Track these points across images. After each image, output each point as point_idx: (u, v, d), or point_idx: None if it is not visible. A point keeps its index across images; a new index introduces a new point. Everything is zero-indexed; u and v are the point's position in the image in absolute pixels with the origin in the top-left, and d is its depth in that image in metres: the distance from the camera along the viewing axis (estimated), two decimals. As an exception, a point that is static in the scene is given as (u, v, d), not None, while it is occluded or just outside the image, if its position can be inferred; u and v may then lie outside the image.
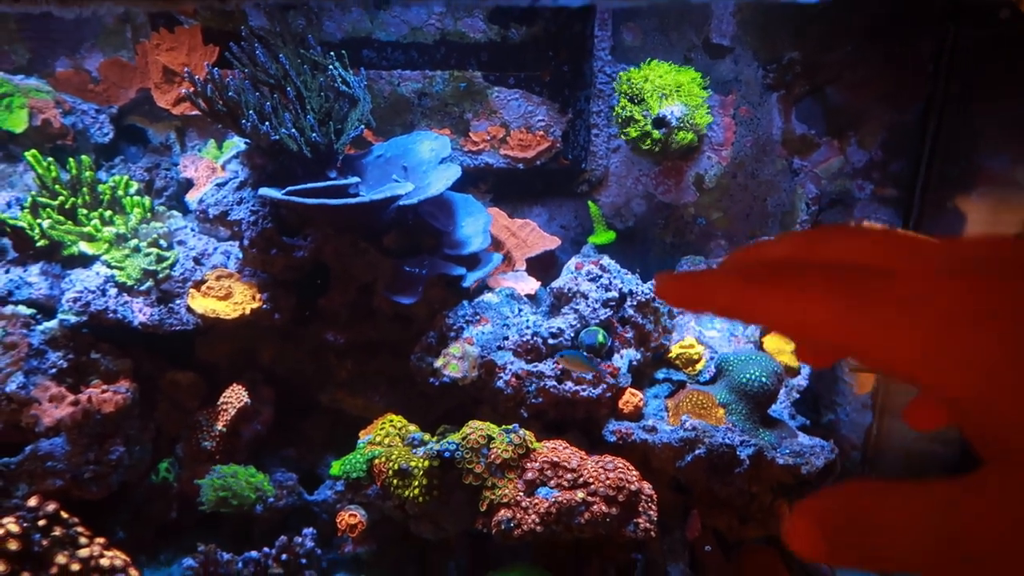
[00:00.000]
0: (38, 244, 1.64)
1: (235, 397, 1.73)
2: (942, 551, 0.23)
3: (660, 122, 1.77)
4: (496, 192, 1.97)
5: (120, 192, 1.75)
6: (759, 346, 1.77)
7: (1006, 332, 0.23)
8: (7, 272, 1.67)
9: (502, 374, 1.65)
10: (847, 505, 0.26)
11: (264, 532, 1.74)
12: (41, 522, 1.61)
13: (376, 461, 1.60)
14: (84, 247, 1.66)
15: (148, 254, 1.69)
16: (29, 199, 1.67)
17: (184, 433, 1.76)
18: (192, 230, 1.80)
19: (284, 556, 1.66)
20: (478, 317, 1.74)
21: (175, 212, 1.82)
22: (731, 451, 1.51)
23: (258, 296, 1.73)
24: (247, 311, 1.70)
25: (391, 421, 1.69)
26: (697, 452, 1.53)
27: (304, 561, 1.68)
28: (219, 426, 1.72)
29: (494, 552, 1.71)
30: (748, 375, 1.61)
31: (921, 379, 0.24)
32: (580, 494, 1.47)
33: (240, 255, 1.75)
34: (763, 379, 1.60)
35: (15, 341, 1.62)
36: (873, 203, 1.90)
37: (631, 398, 1.64)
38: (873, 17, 1.80)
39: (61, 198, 1.69)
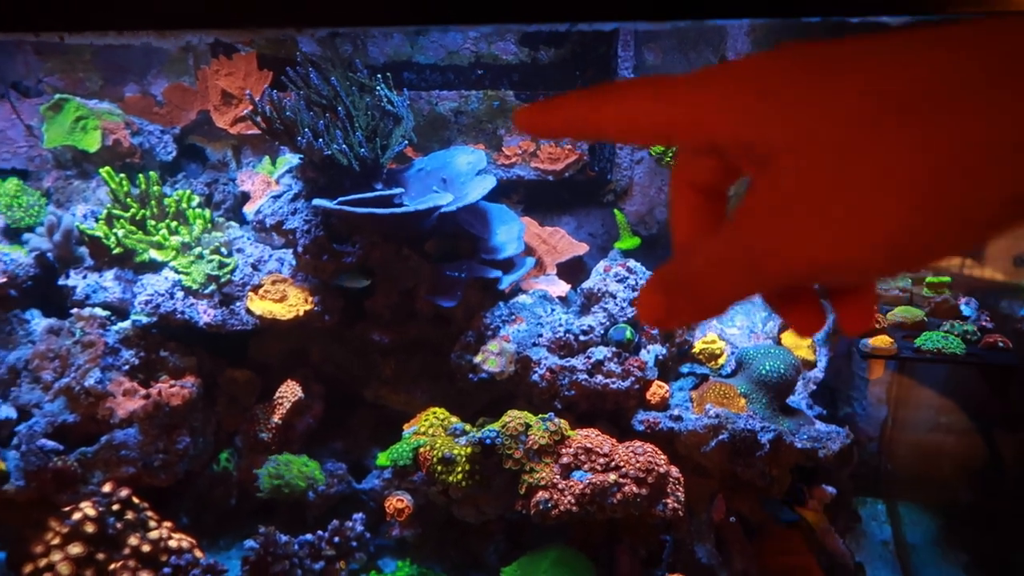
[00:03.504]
0: (114, 252, 1.80)
1: (290, 392, 1.87)
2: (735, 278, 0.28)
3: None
4: (527, 202, 2.11)
5: (184, 205, 1.91)
6: (777, 341, 1.88)
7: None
8: (84, 278, 1.83)
9: (537, 368, 1.78)
10: (674, 268, 0.30)
11: (316, 518, 1.86)
12: (115, 507, 1.76)
13: (421, 450, 1.73)
14: (154, 254, 1.82)
15: (211, 261, 1.85)
16: (104, 211, 1.84)
17: (242, 426, 1.90)
18: (249, 239, 1.95)
19: (336, 539, 1.79)
20: (513, 317, 1.87)
21: (233, 223, 1.97)
22: (752, 436, 1.62)
23: (310, 299, 1.87)
24: (300, 312, 1.85)
25: (435, 413, 1.82)
26: (721, 437, 1.64)
27: (354, 544, 1.81)
28: (275, 419, 1.86)
29: (530, 536, 1.82)
30: (767, 367, 1.72)
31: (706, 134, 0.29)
32: (612, 476, 1.58)
33: (294, 261, 1.90)
34: (781, 370, 1.71)
35: (93, 340, 1.78)
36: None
37: (658, 390, 1.76)
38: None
39: (132, 210, 1.86)
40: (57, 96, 1.93)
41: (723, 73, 0.29)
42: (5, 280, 1.80)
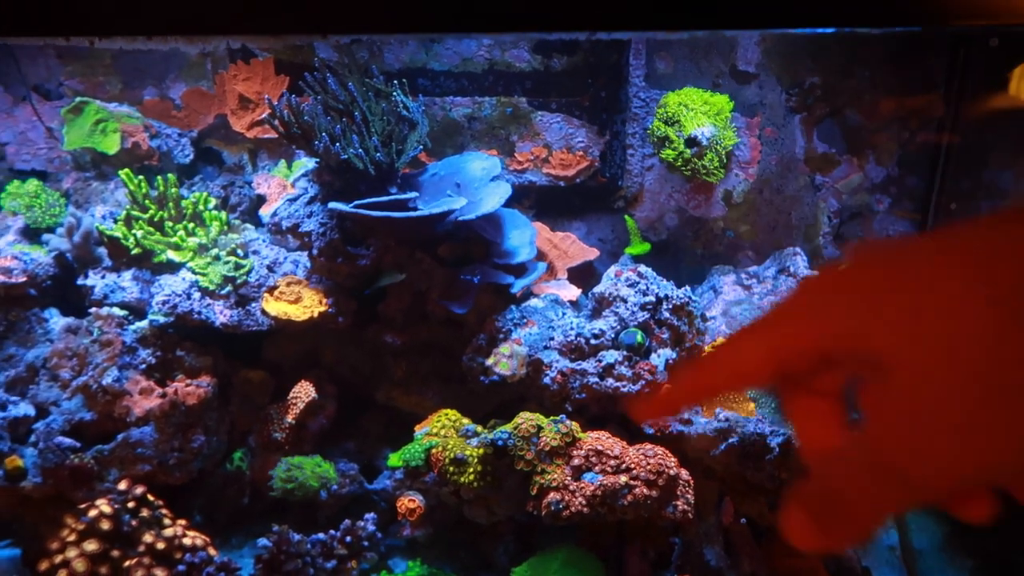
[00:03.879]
0: (132, 252, 1.82)
1: (304, 392, 1.89)
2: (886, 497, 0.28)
3: (692, 142, 1.93)
4: (539, 208, 2.14)
5: (201, 207, 1.94)
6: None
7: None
8: (103, 278, 1.86)
9: (548, 371, 1.80)
10: (815, 487, 0.29)
11: (328, 517, 1.88)
12: (130, 504, 1.78)
13: (433, 451, 1.75)
14: (172, 255, 1.85)
15: (227, 262, 1.88)
16: (123, 212, 1.86)
17: (256, 425, 1.93)
18: (264, 241, 1.98)
19: (348, 538, 1.81)
20: (525, 320, 1.89)
21: (249, 225, 2.00)
22: (762, 439, 1.64)
23: (324, 301, 1.89)
24: (315, 314, 1.87)
25: (446, 415, 1.84)
26: (730, 441, 1.66)
27: (366, 543, 1.83)
28: (289, 419, 1.88)
29: (540, 537, 1.84)
30: (776, 371, 1.74)
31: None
32: (623, 478, 1.60)
33: (308, 263, 1.93)
34: (790, 375, 1.73)
35: (110, 339, 1.81)
36: (891, 216, 2.05)
37: (667, 393, 1.78)
38: (886, 43, 1.95)
39: (151, 212, 1.88)
40: (77, 99, 1.97)
41: (824, 285, 0.30)
42: (25, 279, 1.83)
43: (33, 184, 1.95)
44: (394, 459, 1.86)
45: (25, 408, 1.80)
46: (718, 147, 1.94)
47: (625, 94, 2.04)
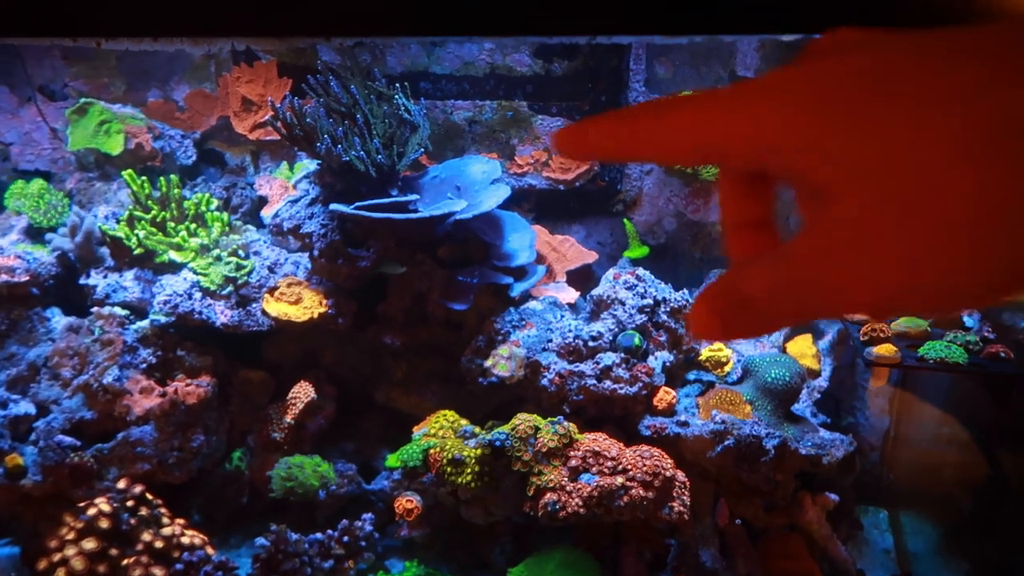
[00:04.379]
0: (135, 252, 1.84)
1: (303, 392, 1.90)
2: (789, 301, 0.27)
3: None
4: (538, 211, 2.15)
5: (203, 208, 1.95)
6: (782, 350, 1.92)
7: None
8: (105, 277, 1.87)
9: (546, 373, 1.81)
10: (730, 287, 0.29)
11: (326, 518, 1.89)
12: (129, 503, 1.79)
13: (431, 451, 1.76)
14: (173, 255, 1.86)
15: (228, 263, 1.89)
16: (126, 213, 1.88)
17: (255, 425, 1.94)
18: (265, 242, 1.99)
19: (346, 538, 1.82)
20: (524, 322, 1.91)
21: (250, 226, 2.01)
22: (758, 441, 1.65)
23: (324, 302, 1.91)
24: (315, 315, 1.88)
25: (445, 416, 1.85)
26: (726, 443, 1.67)
27: (363, 543, 1.84)
28: (288, 419, 1.89)
29: (537, 538, 1.84)
30: (773, 374, 1.75)
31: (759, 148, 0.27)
32: (619, 479, 1.61)
33: (309, 265, 1.94)
34: (787, 378, 1.74)
35: (112, 338, 1.82)
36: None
37: (665, 396, 1.79)
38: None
39: (153, 212, 1.90)
40: (82, 100, 1.98)
41: (776, 85, 0.27)
42: (28, 278, 1.84)
43: (37, 184, 1.97)
44: (392, 460, 1.87)
45: (26, 406, 1.81)
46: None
47: (625, 98, 2.06)
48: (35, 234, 1.96)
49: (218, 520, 1.93)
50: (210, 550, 1.78)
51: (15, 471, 1.75)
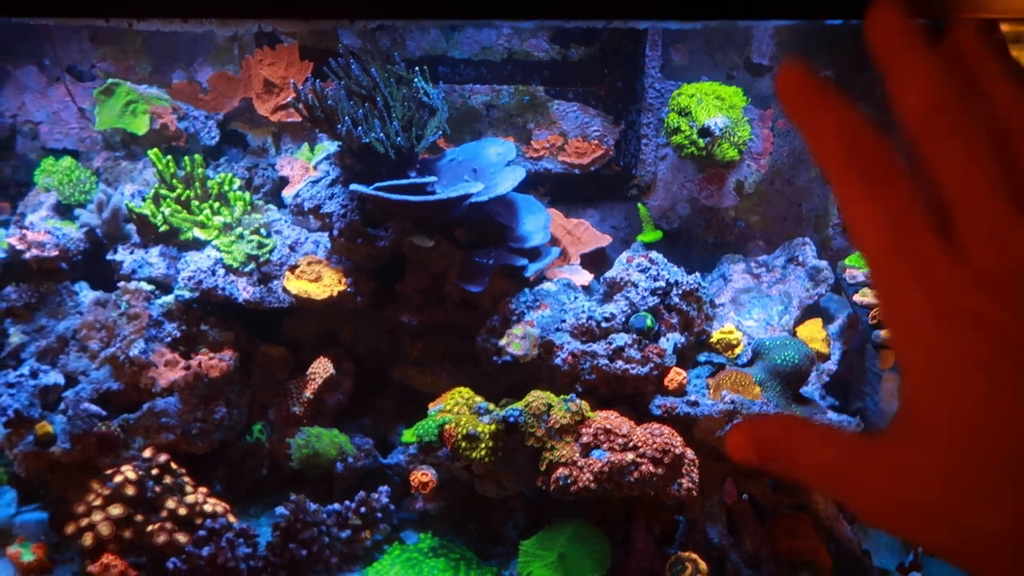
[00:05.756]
0: (160, 229, 1.89)
1: (322, 368, 1.95)
2: (834, 486, 0.30)
3: (705, 132, 1.97)
4: (553, 195, 2.19)
5: (226, 187, 2.00)
6: (793, 334, 1.95)
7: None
8: (131, 253, 1.92)
9: (560, 353, 1.85)
10: (778, 427, 0.31)
11: (343, 490, 1.94)
12: (154, 471, 1.85)
13: (447, 427, 1.81)
14: (197, 233, 1.91)
15: (251, 241, 1.94)
16: (152, 191, 1.93)
17: (275, 400, 1.99)
18: (286, 221, 2.04)
19: (363, 509, 1.87)
20: (538, 303, 1.94)
21: (272, 206, 2.06)
22: (766, 422, 1.68)
23: (343, 280, 1.95)
24: (334, 293, 1.93)
25: (460, 392, 1.90)
26: (735, 422, 1.70)
27: (380, 515, 1.89)
28: (307, 393, 1.94)
29: (549, 513, 1.89)
30: (783, 356, 1.78)
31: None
32: (630, 456, 1.65)
33: (329, 244, 1.98)
34: (796, 360, 1.77)
35: (138, 312, 1.87)
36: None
37: (676, 376, 1.83)
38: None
39: (178, 191, 1.95)
40: (109, 81, 2.03)
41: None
42: (57, 253, 1.90)
43: (67, 161, 2.02)
44: (408, 435, 1.92)
45: (55, 377, 1.87)
46: (732, 138, 1.98)
47: (641, 84, 2.09)
48: (64, 211, 2.01)
49: (239, 491, 1.99)
50: (232, 518, 1.84)
51: (45, 439, 1.81)
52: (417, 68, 1.88)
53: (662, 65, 2.08)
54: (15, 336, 1.91)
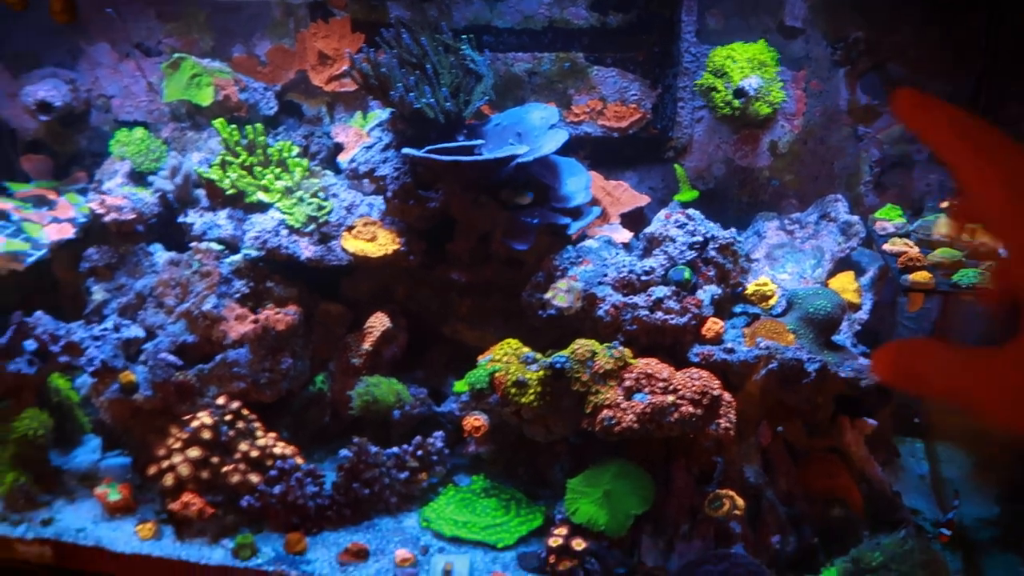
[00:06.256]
0: (228, 193, 2.03)
1: (379, 322, 2.08)
2: (965, 398, 0.34)
3: (740, 92, 2.05)
4: (593, 158, 2.28)
5: (285, 154, 2.13)
6: (825, 286, 2.03)
7: None
8: (201, 216, 2.07)
9: (602, 305, 1.95)
10: (914, 351, 0.36)
11: (399, 436, 2.08)
12: (228, 417, 1.99)
13: (497, 375, 1.93)
14: (262, 196, 2.05)
15: (311, 203, 2.07)
16: (218, 158, 2.07)
17: (336, 352, 2.13)
18: (341, 186, 2.17)
19: (419, 452, 2.01)
20: (580, 259, 2.05)
21: (328, 171, 2.19)
22: (800, 365, 1.78)
23: (397, 240, 2.08)
24: (389, 251, 2.05)
25: (509, 343, 2.01)
26: (771, 366, 1.80)
27: (435, 458, 2.03)
28: (366, 346, 2.08)
29: (593, 456, 2.00)
30: (816, 305, 1.87)
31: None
32: (670, 398, 1.76)
33: (383, 206, 2.11)
34: (828, 308, 1.86)
35: (209, 270, 2.02)
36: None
37: (713, 325, 1.92)
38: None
39: (242, 157, 2.08)
40: (175, 55, 2.17)
41: None
42: (134, 217, 2.05)
43: (140, 132, 2.17)
44: (460, 385, 2.05)
45: (136, 330, 2.03)
46: (766, 98, 2.06)
47: (677, 49, 2.17)
48: (137, 178, 2.16)
49: (302, 437, 2.14)
50: (299, 460, 1.99)
51: (129, 387, 1.97)
52: (464, 36, 1.99)
53: (698, 30, 2.16)
54: (98, 294, 2.07)
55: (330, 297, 2.20)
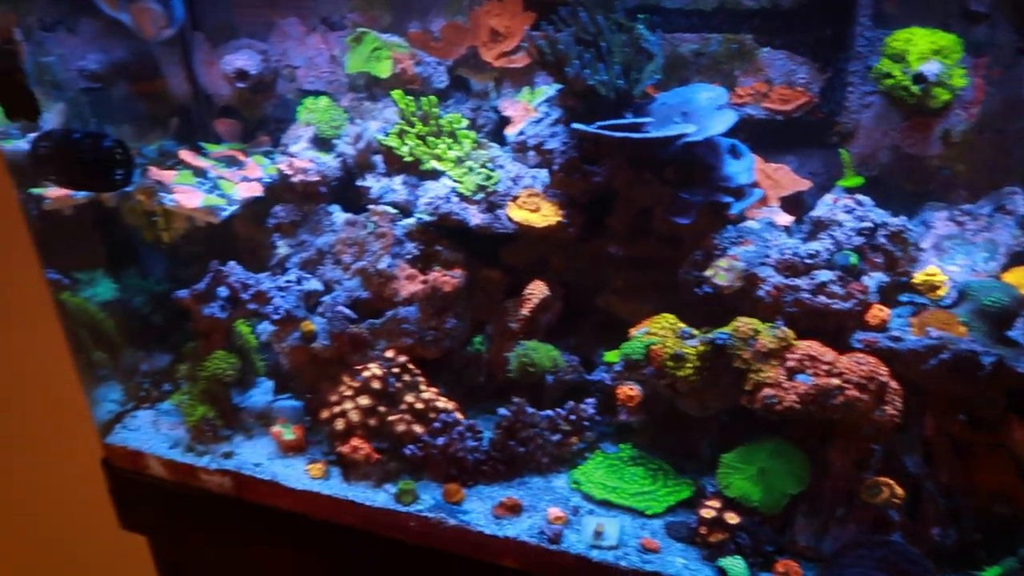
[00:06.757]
0: (405, 160, 2.15)
1: (538, 289, 2.17)
2: None
3: (919, 78, 2.01)
4: (753, 140, 2.28)
5: (455, 125, 2.24)
6: (998, 279, 1.97)
7: None
8: (378, 181, 2.21)
9: (763, 285, 1.97)
10: None
11: (551, 400, 2.17)
12: (395, 370, 2.13)
13: (653, 347, 1.98)
14: (435, 164, 2.16)
15: (479, 173, 2.17)
16: (396, 127, 2.19)
17: (494, 316, 2.23)
18: (507, 157, 2.26)
19: (572, 416, 2.09)
20: (741, 239, 2.07)
21: (494, 143, 2.28)
22: (974, 357, 1.75)
23: (559, 212, 2.15)
24: (552, 223, 2.13)
25: (665, 318, 2.06)
26: (941, 357, 1.77)
27: (586, 423, 2.10)
28: (523, 311, 2.17)
29: (744, 434, 2.03)
30: (991, 297, 1.83)
31: None
32: (835, 381, 1.77)
33: (547, 179, 2.19)
34: (1005, 301, 1.82)
35: (384, 232, 2.15)
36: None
37: (878, 313, 1.91)
38: None
39: (417, 127, 2.20)
40: (359, 30, 2.31)
41: None
42: (318, 179, 2.21)
43: (324, 100, 2.33)
44: (611, 355, 2.11)
45: (315, 284, 2.19)
46: (947, 84, 2.01)
47: (851, 33, 2.14)
48: (319, 143, 2.32)
49: (458, 394, 2.25)
50: (459, 415, 2.10)
51: (309, 336, 2.14)
52: (640, 16, 2.03)
53: (873, 13, 2.12)
54: (282, 248, 2.25)
55: (490, 264, 2.30)
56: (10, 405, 2.26)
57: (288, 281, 2.16)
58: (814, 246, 1.99)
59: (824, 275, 1.94)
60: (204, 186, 2.28)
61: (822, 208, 2.02)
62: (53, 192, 2.18)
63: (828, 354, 1.82)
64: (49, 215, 2.21)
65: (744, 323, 1.88)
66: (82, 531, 2.39)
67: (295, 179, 2.18)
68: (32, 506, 2.43)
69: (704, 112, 2.12)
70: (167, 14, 2.07)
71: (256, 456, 2.18)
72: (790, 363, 1.82)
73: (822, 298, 1.93)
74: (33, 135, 2.13)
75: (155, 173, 2.27)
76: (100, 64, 2.33)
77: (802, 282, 1.96)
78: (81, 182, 2.06)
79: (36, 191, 2.17)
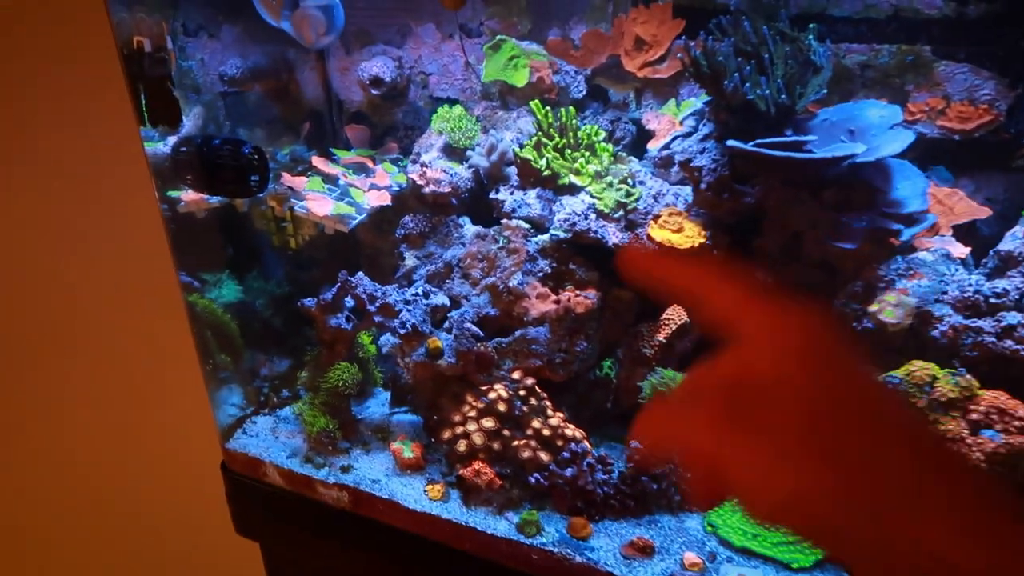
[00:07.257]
0: (543, 174, 2.05)
1: (677, 315, 2.03)
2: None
3: None
4: (921, 161, 2.07)
5: (593, 138, 2.13)
6: None
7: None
8: (512, 194, 2.11)
9: (939, 325, 1.77)
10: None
11: (686, 435, 2.02)
12: (521, 392, 2.04)
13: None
14: (573, 179, 2.06)
15: (620, 189, 2.05)
16: (533, 138, 2.10)
17: (625, 339, 2.10)
18: (647, 173, 2.13)
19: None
20: (911, 271, 1.87)
21: (633, 158, 2.16)
22: None
23: (703, 233, 2.00)
24: (695, 244, 1.99)
25: (820, 354, 1.88)
26: None
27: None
28: (659, 337, 2.03)
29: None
30: None
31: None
32: (1030, 440, 1.55)
33: (690, 197, 2.04)
34: None
35: (517, 247, 2.06)
36: None
37: (1079, 364, 1.67)
38: None
39: (555, 139, 2.10)
40: (498, 37, 2.23)
41: None
42: (449, 190, 2.14)
43: (459, 109, 2.26)
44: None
45: (442, 298, 2.12)
46: None
47: (1048, 45, 1.90)
48: (451, 152, 2.25)
49: (581, 419, 2.13)
50: (587, 444, 1.99)
51: (435, 352, 2.06)
52: (811, 25, 1.86)
53: (1076, 24, 1.88)
54: (409, 259, 2.19)
55: (619, 283, 2.17)
56: (145, 404, 2.29)
57: (415, 294, 2.10)
58: (1002, 284, 1.77)
59: (1013, 317, 1.72)
60: (334, 193, 2.25)
61: (1012, 241, 1.79)
62: (188, 196, 2.19)
63: (1021, 409, 1.60)
64: (183, 217, 2.23)
65: (919, 367, 1.69)
66: (198, 533, 2.40)
67: (427, 189, 2.12)
68: (153, 505, 2.46)
69: (874, 130, 1.93)
70: (328, 22, 2.05)
71: (374, 472, 2.12)
72: (974, 416, 1.62)
73: (1009, 342, 1.71)
74: (173, 138, 2.15)
75: (287, 179, 2.25)
76: (239, 69, 2.34)
77: (985, 324, 1.74)
78: (219, 187, 2.06)
79: (173, 194, 2.18)
